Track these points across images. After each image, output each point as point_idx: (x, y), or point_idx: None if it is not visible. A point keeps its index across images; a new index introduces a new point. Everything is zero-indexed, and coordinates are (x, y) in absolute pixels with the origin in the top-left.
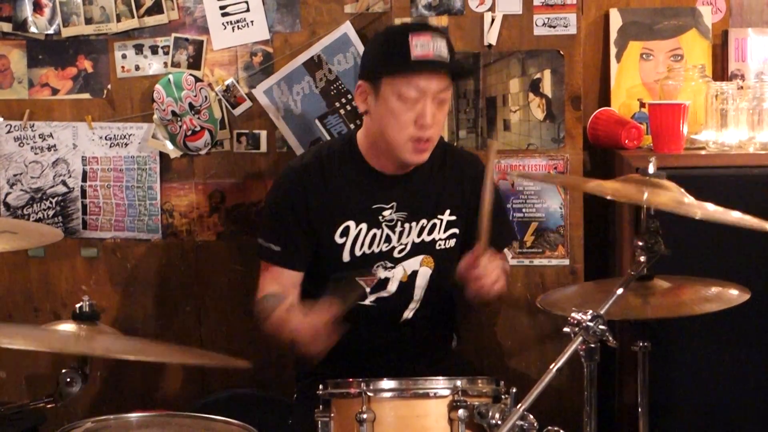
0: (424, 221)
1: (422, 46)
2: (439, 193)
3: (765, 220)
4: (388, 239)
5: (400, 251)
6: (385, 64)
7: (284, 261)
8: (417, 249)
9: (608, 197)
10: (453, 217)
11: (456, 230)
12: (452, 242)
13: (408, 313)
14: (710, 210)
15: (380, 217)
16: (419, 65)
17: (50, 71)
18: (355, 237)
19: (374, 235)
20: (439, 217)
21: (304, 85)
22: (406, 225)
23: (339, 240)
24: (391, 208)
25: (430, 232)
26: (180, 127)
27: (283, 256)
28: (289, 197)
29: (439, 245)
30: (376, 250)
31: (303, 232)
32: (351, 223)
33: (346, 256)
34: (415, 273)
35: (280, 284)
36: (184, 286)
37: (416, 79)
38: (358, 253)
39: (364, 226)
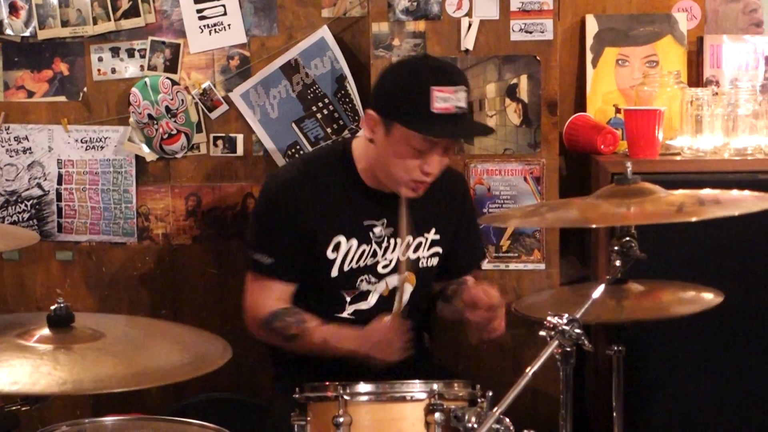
0: (409, 238)
1: (445, 100)
2: (426, 211)
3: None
4: (374, 254)
5: (385, 266)
6: (402, 112)
7: (277, 273)
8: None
9: (593, 226)
10: (437, 236)
11: (439, 249)
12: (434, 261)
13: None
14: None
15: (371, 233)
16: (439, 121)
17: (26, 74)
18: (345, 253)
19: (363, 251)
20: (424, 235)
21: (281, 88)
22: (392, 241)
23: (330, 255)
24: (382, 224)
25: (415, 250)
26: (156, 130)
27: (276, 268)
28: (281, 207)
29: (423, 263)
30: (362, 265)
31: (295, 244)
32: (342, 239)
33: (334, 272)
34: (396, 289)
35: (273, 297)
36: (160, 290)
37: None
38: (346, 268)
39: (354, 241)
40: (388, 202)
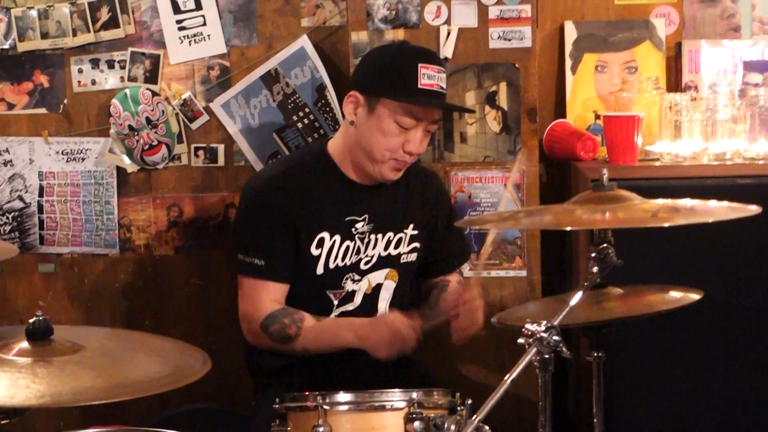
0: (390, 234)
1: (429, 77)
2: (405, 206)
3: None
4: (357, 251)
5: (367, 263)
6: (389, 86)
7: (270, 274)
8: (382, 262)
9: (568, 228)
10: (415, 232)
11: (417, 244)
12: (413, 256)
13: None
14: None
15: (353, 229)
16: (424, 96)
17: (6, 86)
18: (329, 249)
19: (347, 248)
20: (404, 230)
21: (262, 98)
22: (373, 237)
23: (314, 252)
24: (363, 219)
25: (396, 246)
26: (137, 141)
27: (268, 269)
28: (268, 207)
29: (403, 259)
30: (348, 263)
31: (284, 242)
32: (326, 235)
33: (320, 269)
34: (379, 286)
35: (268, 300)
36: (143, 301)
37: (416, 108)
38: (331, 265)
39: (338, 237)
40: (369, 197)
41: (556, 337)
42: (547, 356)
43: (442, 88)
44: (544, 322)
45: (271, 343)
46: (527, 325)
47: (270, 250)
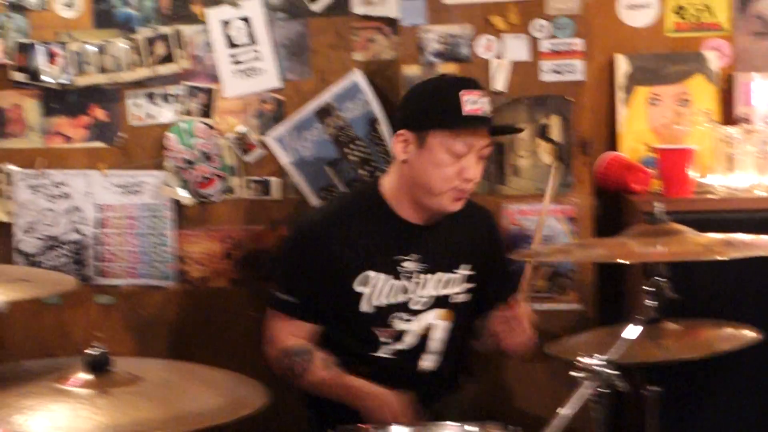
0: (442, 274)
1: (473, 103)
2: (457, 246)
3: None
4: (405, 290)
5: (418, 303)
6: (436, 118)
7: (302, 314)
8: (435, 302)
9: (622, 261)
10: (469, 272)
11: (472, 284)
12: (469, 296)
13: (424, 365)
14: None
15: (400, 268)
16: (472, 122)
17: (64, 120)
18: (374, 286)
19: (392, 286)
20: (456, 270)
21: (315, 132)
22: (424, 277)
23: (357, 289)
24: (412, 258)
25: (448, 286)
26: (192, 174)
27: (301, 308)
28: (309, 249)
29: (457, 299)
30: (394, 301)
31: (322, 285)
32: (371, 273)
33: (363, 306)
34: (432, 326)
35: (293, 336)
36: (198, 333)
37: (466, 135)
38: (375, 302)
39: (383, 276)
40: (421, 237)
41: (611, 371)
42: (602, 390)
43: (487, 111)
44: (600, 356)
45: (284, 374)
46: (582, 358)
47: (303, 292)
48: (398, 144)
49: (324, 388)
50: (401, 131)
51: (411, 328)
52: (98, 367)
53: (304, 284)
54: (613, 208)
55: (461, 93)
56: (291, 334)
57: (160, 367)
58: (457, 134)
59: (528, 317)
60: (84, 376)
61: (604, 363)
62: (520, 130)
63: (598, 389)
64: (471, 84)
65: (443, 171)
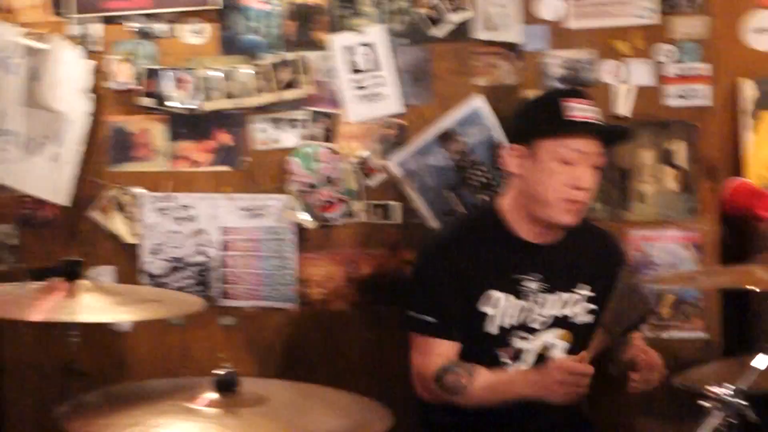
0: (561, 294)
1: (578, 109)
2: (576, 265)
3: None
4: (528, 310)
5: (539, 323)
6: (542, 126)
7: (441, 332)
8: (556, 322)
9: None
10: (590, 293)
11: (594, 306)
12: (590, 317)
13: None
14: None
15: (522, 287)
16: (577, 126)
17: (190, 144)
18: (498, 307)
19: (516, 306)
20: (577, 291)
21: (437, 156)
22: (546, 296)
23: (482, 309)
24: (533, 278)
25: (569, 306)
26: (315, 198)
27: (440, 327)
28: (440, 269)
29: (578, 320)
30: (516, 321)
31: (456, 302)
32: (494, 293)
33: (488, 327)
34: (552, 346)
35: (440, 356)
36: (319, 355)
37: (574, 141)
38: (499, 322)
39: (506, 295)
40: (540, 256)
41: (741, 401)
42: (731, 420)
43: (592, 118)
44: (730, 385)
45: (443, 396)
46: (711, 388)
47: (442, 309)
48: (509, 158)
49: (486, 393)
50: (511, 146)
51: (529, 346)
52: (226, 387)
53: (440, 303)
54: (739, 234)
55: (563, 100)
56: (438, 356)
57: (284, 389)
58: (563, 141)
59: (660, 367)
60: (212, 395)
61: (734, 393)
62: (628, 132)
63: (727, 419)
64: (574, 93)
65: (554, 179)
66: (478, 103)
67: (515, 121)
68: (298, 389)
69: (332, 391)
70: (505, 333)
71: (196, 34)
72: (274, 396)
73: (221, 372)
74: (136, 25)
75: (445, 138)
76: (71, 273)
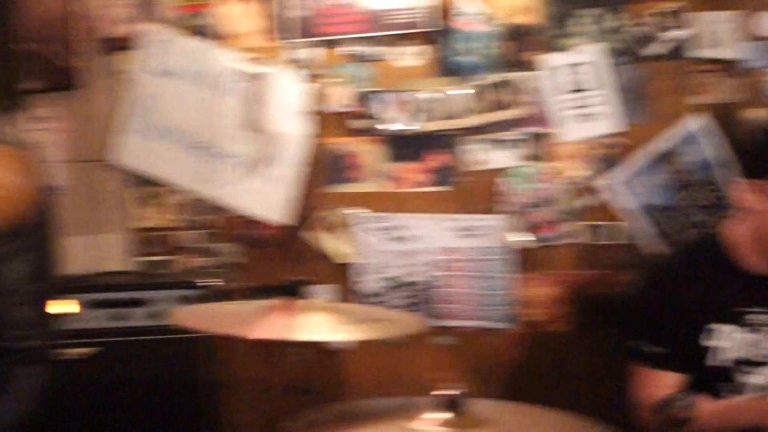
0: None
1: None
2: None
3: None
4: (754, 344)
5: (760, 356)
6: None
7: (668, 363)
8: None
9: None
10: None
11: None
12: None
13: None
14: None
15: (745, 319)
16: None
17: (405, 165)
18: (721, 340)
19: (741, 339)
20: None
21: (655, 177)
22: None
23: (705, 342)
24: (757, 310)
25: None
26: (530, 218)
27: (669, 358)
28: (667, 296)
29: None
30: (741, 355)
31: (683, 333)
32: (719, 325)
33: (710, 360)
34: None
35: (665, 388)
36: (539, 377)
37: None
38: (722, 356)
39: (728, 328)
40: (763, 286)
41: None
42: None
43: None
44: None
45: (662, 426)
46: None
47: (669, 339)
48: (740, 193)
49: (712, 424)
50: (742, 180)
51: (754, 381)
52: (453, 407)
53: (667, 333)
54: None
55: None
56: (663, 387)
57: (509, 410)
58: None
59: None
60: (437, 415)
61: None
62: None
63: None
64: None
65: None
66: (698, 122)
67: (746, 154)
68: (522, 411)
69: (557, 413)
70: (729, 367)
71: (412, 57)
72: (501, 417)
73: (447, 392)
74: (353, 49)
75: (663, 158)
76: (295, 292)
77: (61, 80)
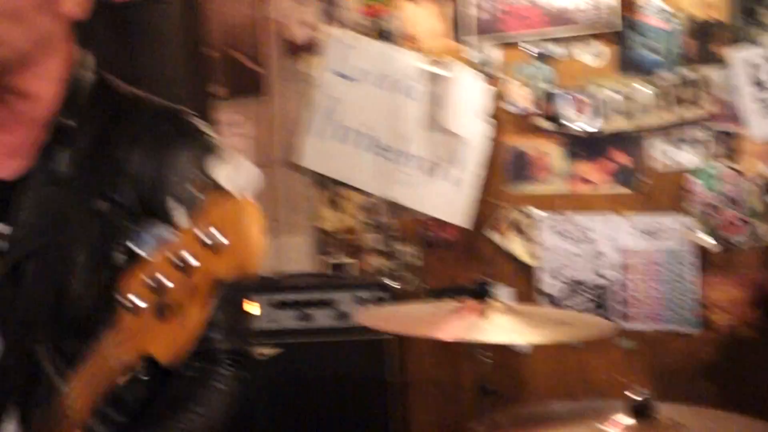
0: None
1: None
2: None
3: None
4: None
5: None
6: None
7: None
8: None
9: None
10: None
11: None
12: None
13: None
14: None
15: None
16: None
17: (587, 165)
18: None
19: None
20: None
21: None
22: None
23: None
24: None
25: None
26: (717, 219)
27: None
28: None
29: None
30: None
31: None
32: None
33: None
34: None
35: None
36: (725, 382)
37: None
38: None
39: None
40: None
41: None
42: None
43: None
44: None
45: None
46: None
47: None
48: None
49: None
50: None
51: None
52: (642, 411)
53: None
54: None
55: None
56: None
57: (698, 415)
58: None
59: None
60: (626, 420)
61: None
62: None
63: None
64: None
65: None
66: None
67: None
68: (709, 416)
69: (743, 418)
70: None
71: (594, 56)
72: (692, 423)
73: (635, 396)
74: (533, 48)
75: None
76: (483, 293)
77: (247, 85)
